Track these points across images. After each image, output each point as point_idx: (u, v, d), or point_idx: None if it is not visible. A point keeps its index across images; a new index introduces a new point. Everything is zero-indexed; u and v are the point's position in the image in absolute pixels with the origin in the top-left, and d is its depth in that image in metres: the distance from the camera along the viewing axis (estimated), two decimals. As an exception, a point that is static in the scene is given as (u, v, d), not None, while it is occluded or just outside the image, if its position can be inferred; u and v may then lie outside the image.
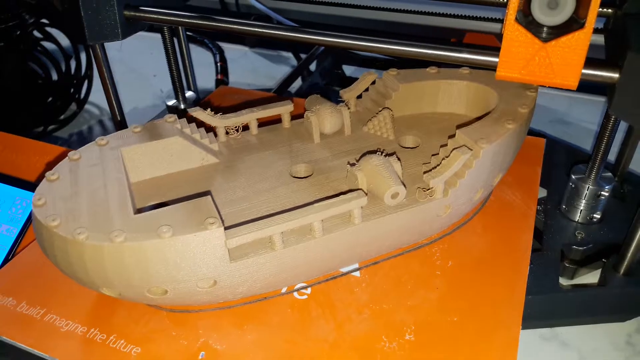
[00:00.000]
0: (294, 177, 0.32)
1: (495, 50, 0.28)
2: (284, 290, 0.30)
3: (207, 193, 0.29)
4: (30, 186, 0.39)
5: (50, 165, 0.36)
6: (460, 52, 0.29)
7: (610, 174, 0.39)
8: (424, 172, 0.29)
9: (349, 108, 0.36)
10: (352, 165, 0.30)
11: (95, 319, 0.29)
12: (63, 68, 0.59)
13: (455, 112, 0.37)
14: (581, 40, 0.25)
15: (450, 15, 0.48)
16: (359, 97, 0.38)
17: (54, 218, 0.26)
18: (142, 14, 0.36)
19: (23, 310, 0.30)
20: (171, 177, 0.32)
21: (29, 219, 0.37)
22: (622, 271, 0.35)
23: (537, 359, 0.35)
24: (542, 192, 0.40)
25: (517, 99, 0.33)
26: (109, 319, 0.29)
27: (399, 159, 0.30)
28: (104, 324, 0.29)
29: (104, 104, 0.44)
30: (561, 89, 0.27)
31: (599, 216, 0.38)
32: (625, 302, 0.35)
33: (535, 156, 0.39)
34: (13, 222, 0.37)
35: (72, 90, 0.61)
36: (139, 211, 0.28)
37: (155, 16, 0.36)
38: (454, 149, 0.29)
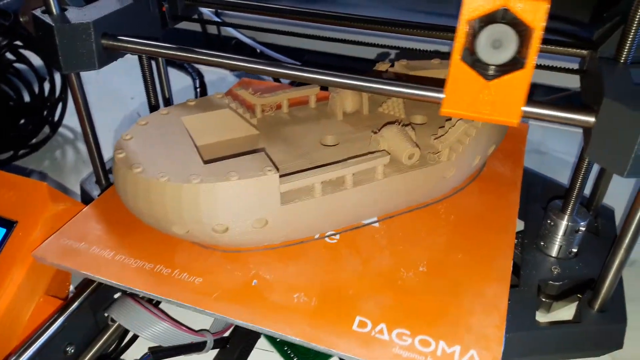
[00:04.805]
0: (323, 145, 0.39)
1: (440, 86, 0.28)
2: (317, 236, 0.36)
3: (259, 151, 0.35)
4: (2, 222, 0.36)
5: (22, 199, 0.37)
6: (406, 87, 0.29)
7: (585, 209, 0.40)
8: (434, 139, 0.36)
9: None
10: (375, 133, 0.37)
11: (159, 258, 0.35)
12: (36, 90, 0.56)
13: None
14: (521, 80, 0.25)
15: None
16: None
17: (137, 166, 0.32)
18: (119, 44, 0.35)
19: (95, 252, 0.35)
20: (220, 143, 0.38)
21: None
22: (596, 307, 0.36)
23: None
24: (520, 225, 0.41)
25: None
26: (171, 258, 0.35)
27: (413, 129, 0.37)
28: (167, 262, 0.34)
29: (79, 127, 0.40)
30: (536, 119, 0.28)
31: (575, 250, 0.39)
32: (599, 338, 0.36)
33: (519, 137, 0.47)
34: None
35: (45, 113, 0.59)
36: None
37: (133, 46, 0.35)
38: (458, 120, 0.36)
